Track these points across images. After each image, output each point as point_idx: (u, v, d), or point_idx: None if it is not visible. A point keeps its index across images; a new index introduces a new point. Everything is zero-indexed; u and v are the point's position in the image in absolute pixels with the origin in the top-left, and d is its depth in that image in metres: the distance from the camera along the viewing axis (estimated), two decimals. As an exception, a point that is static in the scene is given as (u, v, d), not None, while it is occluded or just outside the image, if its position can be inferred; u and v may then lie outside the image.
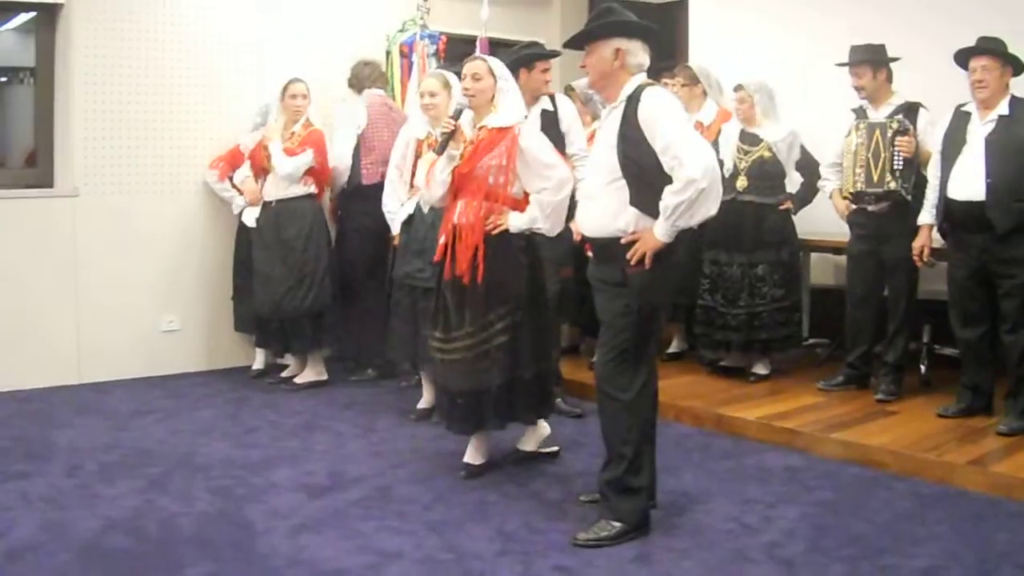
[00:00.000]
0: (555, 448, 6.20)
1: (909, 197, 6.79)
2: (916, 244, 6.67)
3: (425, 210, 6.68)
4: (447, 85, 6.60)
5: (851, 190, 6.99)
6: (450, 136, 5.67)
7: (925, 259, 6.65)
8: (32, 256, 7.77)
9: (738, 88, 7.47)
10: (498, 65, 5.80)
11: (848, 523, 5.13)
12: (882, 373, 7.19)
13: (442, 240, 5.77)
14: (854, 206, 7.13)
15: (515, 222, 5.61)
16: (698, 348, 8.19)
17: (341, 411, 7.36)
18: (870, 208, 7.00)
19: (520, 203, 5.67)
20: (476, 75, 5.68)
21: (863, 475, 5.89)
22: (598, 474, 5.03)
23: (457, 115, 5.71)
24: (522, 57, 6.95)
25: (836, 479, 5.83)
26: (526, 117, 6.38)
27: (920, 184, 6.83)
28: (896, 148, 6.73)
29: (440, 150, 5.70)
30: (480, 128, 5.71)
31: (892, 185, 6.75)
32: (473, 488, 5.67)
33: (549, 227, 5.69)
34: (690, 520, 5.18)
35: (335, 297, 8.08)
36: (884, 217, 6.97)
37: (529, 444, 6.15)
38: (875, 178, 6.82)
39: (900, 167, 6.74)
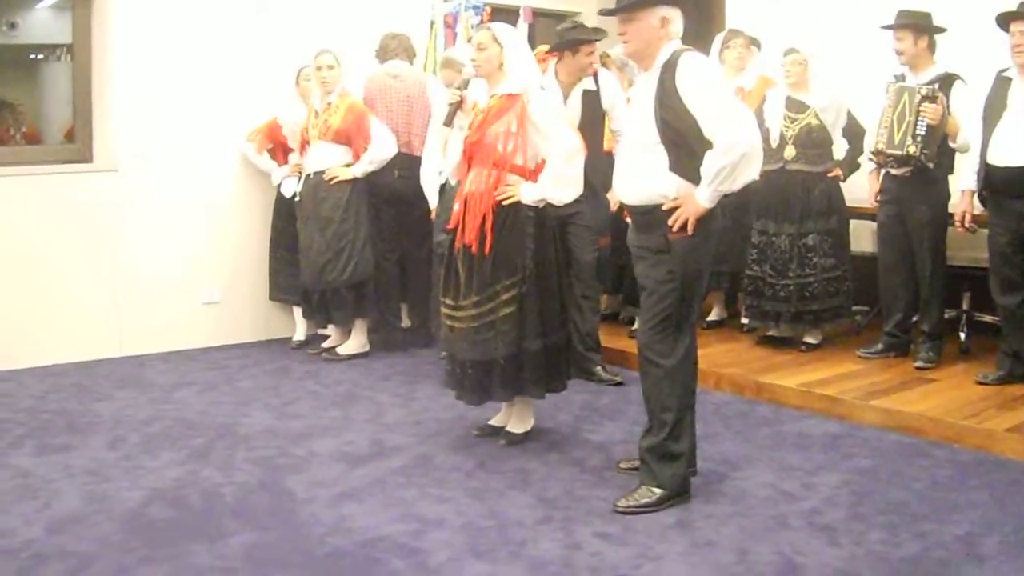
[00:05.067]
0: (521, 430, 6.04)
1: (931, 164, 6.74)
2: (957, 209, 6.63)
3: (452, 182, 6.63)
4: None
5: (872, 148, 6.98)
6: (457, 107, 5.68)
7: (967, 224, 6.60)
8: (72, 231, 7.83)
9: (791, 51, 7.33)
10: (505, 32, 5.76)
11: (887, 490, 5.13)
12: (920, 341, 7.16)
13: (456, 208, 5.79)
14: (881, 169, 7.15)
15: (527, 193, 5.61)
16: (740, 317, 8.18)
17: (381, 381, 7.40)
18: (893, 172, 6.99)
19: (534, 174, 5.66)
20: (480, 45, 5.66)
21: (902, 442, 5.88)
22: (639, 441, 5.04)
23: (464, 85, 5.72)
24: (567, 42, 6.99)
25: (875, 446, 5.83)
26: (566, 100, 6.44)
27: (945, 154, 6.83)
28: (921, 114, 6.68)
29: (448, 121, 5.72)
30: (492, 96, 5.74)
31: (911, 149, 6.68)
32: (514, 456, 5.70)
33: (558, 197, 5.67)
34: (730, 487, 5.19)
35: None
36: (907, 183, 6.95)
37: (500, 420, 6.14)
38: (896, 140, 6.75)
39: (922, 133, 6.67)
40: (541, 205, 5.67)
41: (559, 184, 5.59)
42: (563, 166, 5.56)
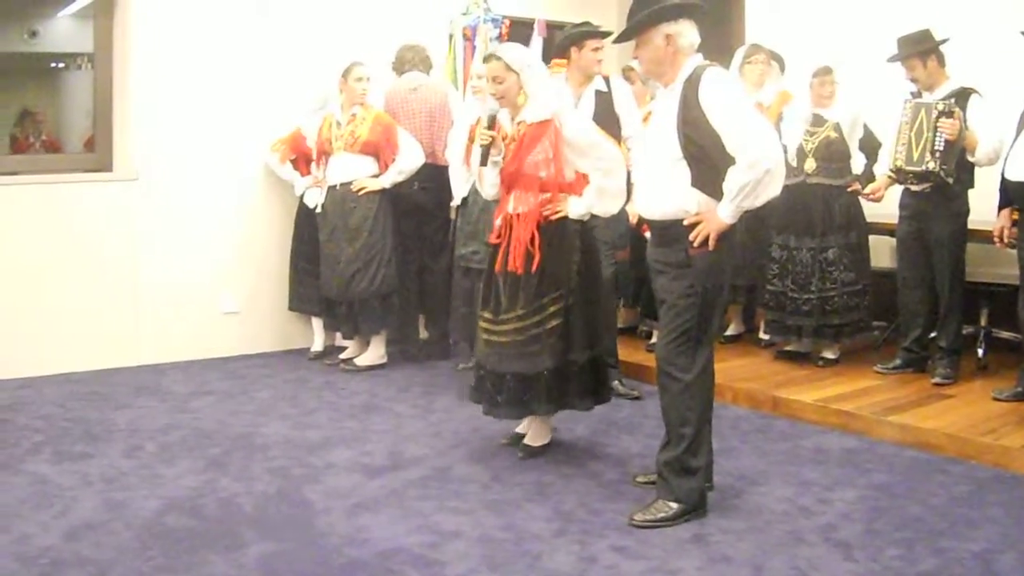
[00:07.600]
0: (539, 443, 6.02)
1: (950, 180, 6.73)
2: (996, 225, 6.55)
3: (486, 195, 6.54)
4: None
5: (891, 166, 6.97)
6: (490, 146, 5.67)
7: (1006, 239, 6.55)
8: (91, 240, 7.86)
9: (827, 71, 7.34)
10: (515, 56, 5.71)
11: (904, 506, 5.11)
12: (938, 357, 7.13)
13: (498, 222, 5.79)
14: (899, 185, 7.12)
15: (575, 208, 5.61)
16: (757, 331, 8.17)
17: (399, 392, 7.40)
18: (913, 188, 6.99)
19: (574, 185, 5.65)
20: (497, 78, 5.65)
21: (919, 458, 5.87)
22: (656, 455, 5.03)
23: (491, 122, 5.68)
24: (571, 36, 6.98)
25: (892, 462, 5.81)
26: (577, 101, 6.47)
27: (964, 168, 6.81)
28: (939, 129, 6.67)
29: (483, 161, 5.71)
30: (519, 123, 5.71)
31: (931, 165, 6.68)
32: (531, 468, 5.70)
33: (605, 209, 5.69)
34: (747, 502, 5.18)
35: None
36: (926, 198, 6.94)
37: (526, 428, 6.11)
38: (915, 156, 6.75)
39: (941, 148, 6.65)
40: (586, 218, 5.69)
41: (604, 197, 5.62)
42: (606, 179, 5.58)
